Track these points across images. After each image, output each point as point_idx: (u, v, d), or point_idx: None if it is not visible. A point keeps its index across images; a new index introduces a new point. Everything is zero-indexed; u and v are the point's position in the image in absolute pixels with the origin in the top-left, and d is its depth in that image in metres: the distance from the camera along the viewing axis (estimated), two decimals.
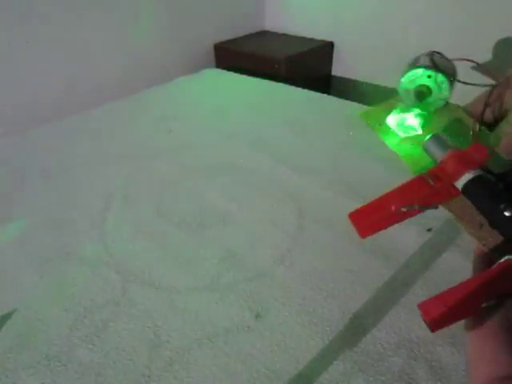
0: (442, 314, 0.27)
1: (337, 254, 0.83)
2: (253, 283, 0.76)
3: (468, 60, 0.44)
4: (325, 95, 1.63)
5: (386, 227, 0.35)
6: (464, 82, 0.40)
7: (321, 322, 0.68)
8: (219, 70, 2.00)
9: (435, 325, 0.27)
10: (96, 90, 1.79)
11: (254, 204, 0.99)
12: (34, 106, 1.67)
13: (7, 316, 0.71)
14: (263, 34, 2.55)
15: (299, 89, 1.69)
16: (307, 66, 2.25)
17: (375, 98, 2.10)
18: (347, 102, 1.54)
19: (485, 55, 1.85)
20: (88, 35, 1.78)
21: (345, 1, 2.22)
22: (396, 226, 0.35)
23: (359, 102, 1.49)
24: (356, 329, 0.67)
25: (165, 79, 1.85)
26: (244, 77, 1.84)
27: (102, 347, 0.65)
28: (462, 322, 0.29)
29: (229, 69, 1.97)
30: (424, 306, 0.27)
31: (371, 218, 0.35)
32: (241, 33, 2.48)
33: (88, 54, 1.80)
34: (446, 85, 0.41)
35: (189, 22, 2.17)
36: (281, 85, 1.73)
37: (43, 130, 1.40)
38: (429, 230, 0.86)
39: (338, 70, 2.43)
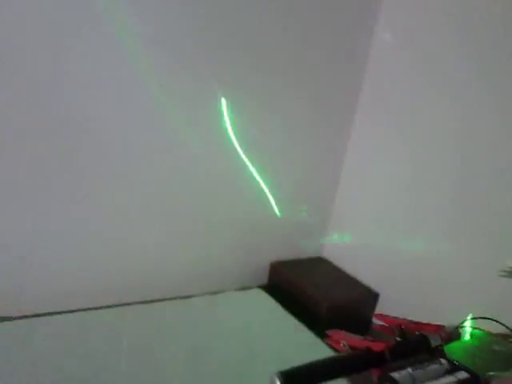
0: None
1: None
2: None
3: None
4: None
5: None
6: None
7: None
8: (265, 294, 2.10)
9: None
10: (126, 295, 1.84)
11: None
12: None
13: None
14: (318, 263, 2.63)
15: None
16: (349, 315, 2.24)
17: None
18: None
19: None
20: None
21: (394, 256, 2.23)
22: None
23: None
24: None
25: (215, 290, 2.00)
26: (282, 310, 1.95)
27: None
28: None
29: (279, 288, 2.15)
30: None
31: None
32: (299, 254, 2.54)
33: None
34: None
35: (250, 238, 2.32)
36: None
37: None
38: None
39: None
